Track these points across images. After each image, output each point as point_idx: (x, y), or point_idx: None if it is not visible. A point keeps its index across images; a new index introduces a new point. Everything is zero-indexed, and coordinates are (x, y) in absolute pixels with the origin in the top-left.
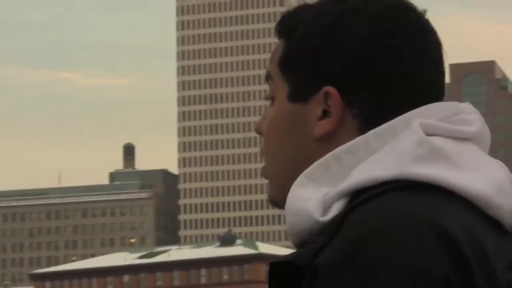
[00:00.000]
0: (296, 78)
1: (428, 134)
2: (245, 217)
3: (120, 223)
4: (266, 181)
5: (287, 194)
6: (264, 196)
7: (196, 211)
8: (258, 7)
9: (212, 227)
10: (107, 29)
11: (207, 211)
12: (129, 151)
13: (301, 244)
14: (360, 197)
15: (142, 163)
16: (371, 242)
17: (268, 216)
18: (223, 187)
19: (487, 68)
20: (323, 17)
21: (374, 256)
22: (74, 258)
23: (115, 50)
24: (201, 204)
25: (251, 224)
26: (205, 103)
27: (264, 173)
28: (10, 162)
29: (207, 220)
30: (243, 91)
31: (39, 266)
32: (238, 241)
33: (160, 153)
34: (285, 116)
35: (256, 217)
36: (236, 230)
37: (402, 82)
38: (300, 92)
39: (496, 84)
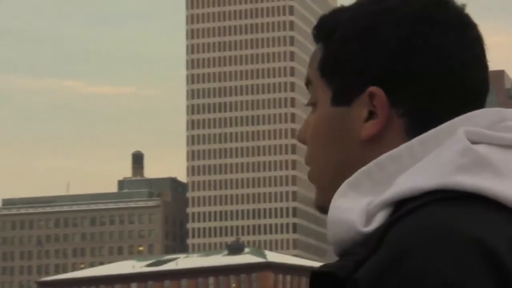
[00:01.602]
0: (338, 81)
1: (473, 142)
2: (254, 226)
3: (128, 231)
4: (275, 189)
5: None
6: (272, 205)
7: (204, 220)
8: (268, 16)
9: (221, 235)
10: (115, 38)
11: (215, 220)
12: (137, 159)
13: (342, 254)
14: (402, 209)
15: (151, 171)
16: (412, 259)
17: (276, 225)
18: (231, 195)
19: (497, 78)
20: (360, 18)
21: (414, 273)
22: (82, 266)
23: (122, 59)
24: (210, 213)
25: (260, 233)
26: (214, 111)
27: (310, 178)
28: (18, 170)
29: (215, 228)
30: (252, 100)
31: (47, 274)
32: (246, 250)
33: (169, 162)
34: (330, 121)
35: (265, 225)
36: (244, 238)
37: (445, 79)
38: (343, 95)
39: (505, 94)
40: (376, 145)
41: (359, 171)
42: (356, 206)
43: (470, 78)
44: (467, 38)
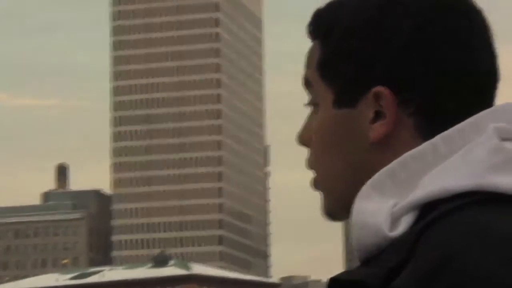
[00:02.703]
0: (340, 82)
1: (503, 139)
2: (180, 238)
3: (52, 243)
4: (201, 201)
5: (344, 205)
6: (198, 217)
7: (129, 232)
8: (194, 27)
9: (146, 247)
10: (38, 50)
11: (140, 232)
12: (62, 171)
13: (367, 259)
14: (435, 212)
15: (76, 183)
16: (458, 263)
17: (203, 237)
18: (157, 207)
19: None
20: (362, 12)
21: (463, 277)
22: (6, 278)
23: (45, 71)
24: (135, 225)
25: (186, 245)
26: (139, 123)
27: (316, 185)
28: None
29: (141, 240)
30: (179, 111)
31: None
32: (171, 262)
33: (94, 174)
34: (333, 124)
35: (190, 237)
36: (170, 251)
37: (457, 74)
38: (346, 97)
39: None
40: (386, 147)
41: (381, 171)
42: (381, 208)
43: (481, 66)
44: (476, 25)
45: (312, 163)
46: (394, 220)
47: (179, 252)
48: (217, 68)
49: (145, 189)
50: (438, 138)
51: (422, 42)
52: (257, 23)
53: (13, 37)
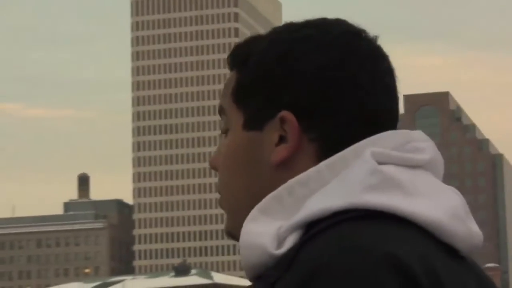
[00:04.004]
0: (250, 106)
1: (380, 163)
2: (200, 247)
3: (74, 253)
4: (222, 211)
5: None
6: (220, 226)
7: (151, 241)
8: (213, 37)
9: (167, 257)
10: (55, 61)
11: (162, 241)
12: (83, 181)
13: (255, 278)
14: (312, 230)
15: (97, 193)
16: (322, 278)
17: (223, 246)
18: (178, 217)
19: (441, 99)
20: (276, 45)
21: None
22: None
23: (62, 83)
24: (156, 234)
25: (206, 254)
26: (160, 133)
27: (221, 205)
28: None
29: (162, 250)
30: (198, 122)
31: None
32: (193, 271)
33: (115, 184)
34: (241, 146)
35: (211, 247)
36: (191, 260)
37: (356, 109)
38: (255, 120)
39: (450, 115)
40: (287, 169)
41: (269, 196)
42: (267, 230)
43: (381, 109)
44: (379, 69)
45: (218, 184)
46: (281, 240)
47: (200, 261)
48: None
49: (166, 198)
50: (322, 164)
51: (322, 79)
52: None
53: (32, 48)
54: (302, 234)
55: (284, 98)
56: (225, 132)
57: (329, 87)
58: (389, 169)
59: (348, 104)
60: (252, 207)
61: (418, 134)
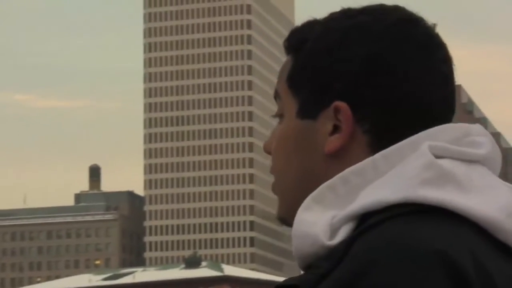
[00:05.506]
0: (305, 94)
1: (437, 157)
2: (211, 240)
3: (85, 244)
4: (232, 203)
5: (295, 212)
6: (230, 218)
7: (161, 233)
8: (226, 29)
9: (178, 249)
10: (70, 51)
11: (172, 233)
12: (94, 173)
13: (307, 267)
14: (366, 223)
15: (108, 184)
16: (372, 274)
17: (234, 239)
18: (188, 209)
19: None
20: (330, 33)
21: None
22: (38, 279)
23: (76, 72)
24: (167, 226)
25: (217, 247)
26: (172, 125)
27: (273, 189)
28: None
29: (172, 242)
30: (210, 114)
31: (3, 287)
32: (204, 263)
33: (126, 175)
34: (294, 133)
35: (222, 239)
36: (201, 252)
37: (408, 100)
38: (309, 108)
39: (462, 108)
40: (340, 159)
41: (323, 185)
42: (320, 219)
43: (435, 99)
44: (435, 58)
45: (271, 169)
46: (334, 230)
47: (210, 253)
48: (248, 70)
49: (177, 190)
50: (378, 155)
51: (375, 69)
52: (289, 25)
53: (44, 38)
54: (356, 225)
55: (338, 87)
56: (278, 116)
57: (379, 79)
58: (446, 163)
59: (401, 94)
60: (304, 194)
61: (477, 128)
